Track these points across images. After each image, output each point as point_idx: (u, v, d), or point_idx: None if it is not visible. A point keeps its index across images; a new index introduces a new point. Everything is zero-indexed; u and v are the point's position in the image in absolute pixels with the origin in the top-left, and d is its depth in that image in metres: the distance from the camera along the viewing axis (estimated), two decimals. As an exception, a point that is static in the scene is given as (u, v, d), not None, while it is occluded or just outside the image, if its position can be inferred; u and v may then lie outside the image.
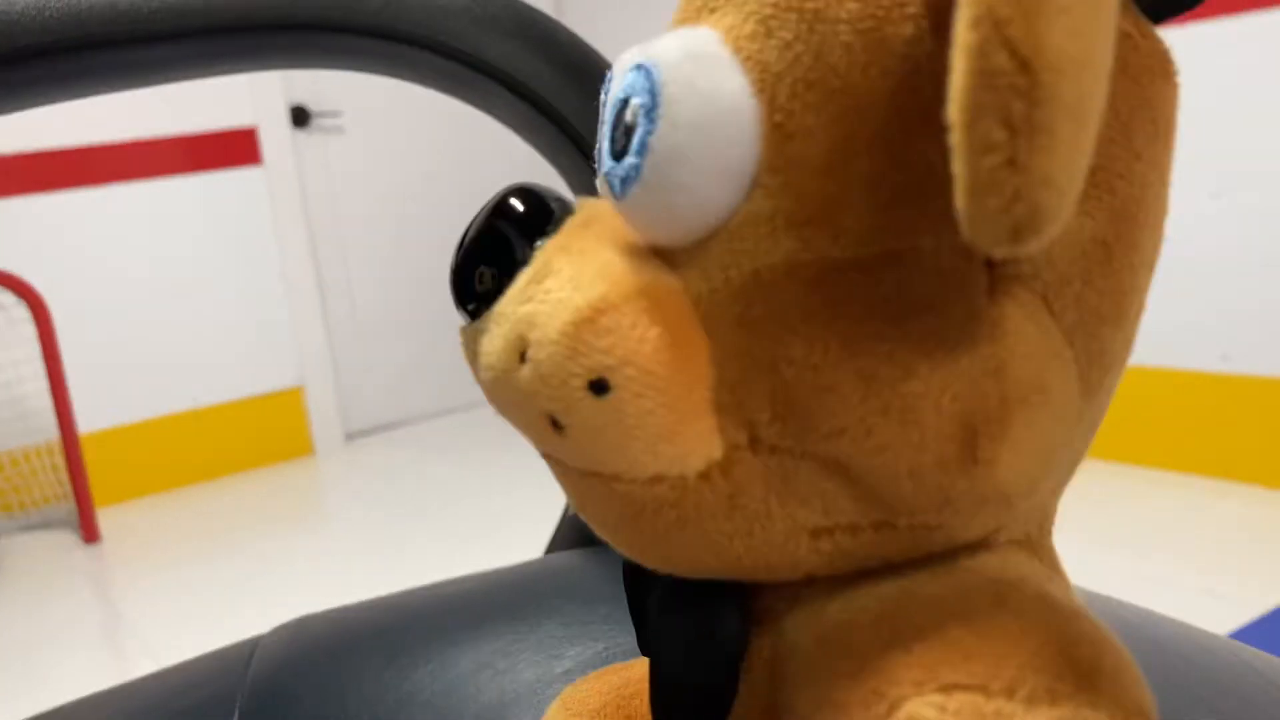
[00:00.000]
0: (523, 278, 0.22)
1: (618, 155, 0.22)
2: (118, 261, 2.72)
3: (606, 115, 0.23)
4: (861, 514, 0.22)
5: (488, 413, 3.25)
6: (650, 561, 0.23)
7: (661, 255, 0.22)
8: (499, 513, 2.41)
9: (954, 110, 0.16)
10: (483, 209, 0.24)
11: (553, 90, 0.54)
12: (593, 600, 0.49)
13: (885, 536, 0.22)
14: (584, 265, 0.22)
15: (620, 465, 0.21)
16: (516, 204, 0.24)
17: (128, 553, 2.45)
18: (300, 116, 2.95)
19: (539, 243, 0.23)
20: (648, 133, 0.21)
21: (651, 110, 0.21)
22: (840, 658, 0.21)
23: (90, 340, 2.67)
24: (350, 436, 3.11)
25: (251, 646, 0.51)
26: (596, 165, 0.23)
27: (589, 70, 0.55)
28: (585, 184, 0.55)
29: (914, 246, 0.20)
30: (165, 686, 0.49)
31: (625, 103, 0.22)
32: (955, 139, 0.16)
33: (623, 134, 0.22)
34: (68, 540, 2.55)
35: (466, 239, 0.24)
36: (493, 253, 0.23)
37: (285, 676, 0.47)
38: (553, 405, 0.21)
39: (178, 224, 2.79)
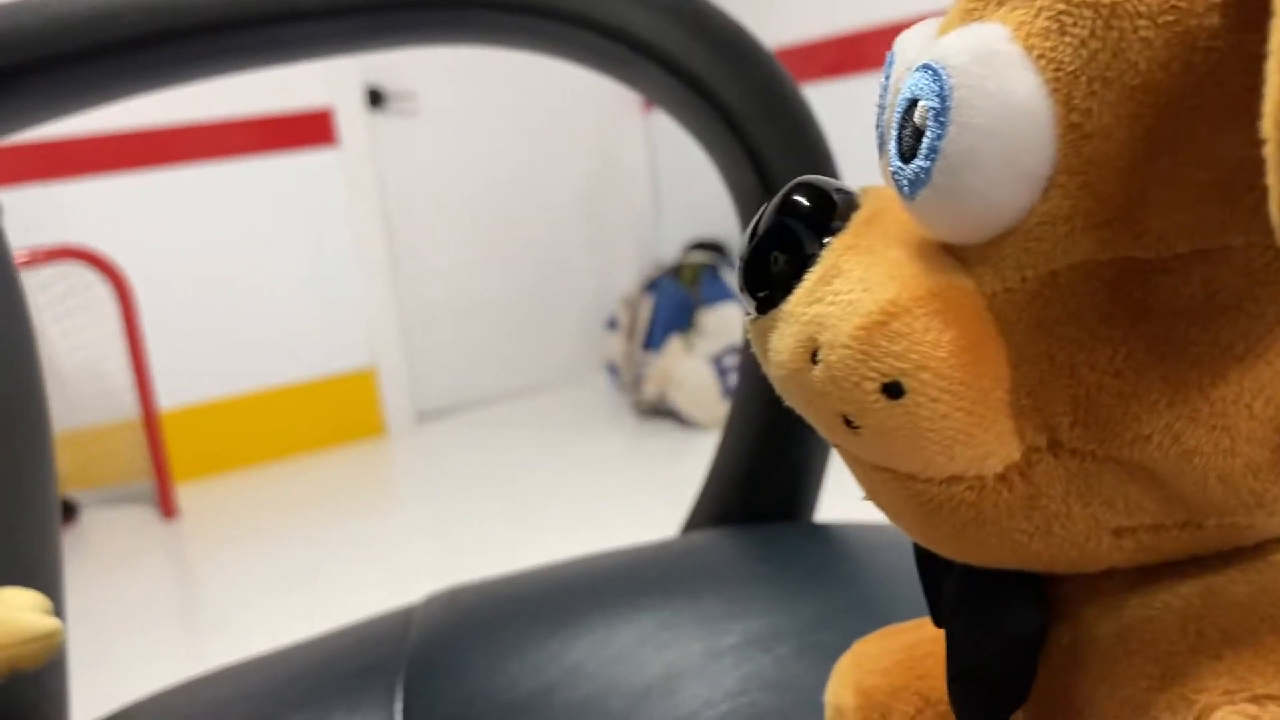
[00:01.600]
0: (811, 277, 0.22)
1: (906, 157, 0.21)
2: (197, 241, 2.76)
3: (893, 115, 0.22)
4: (1167, 515, 0.21)
5: (557, 396, 3.27)
6: (945, 552, 0.23)
7: (952, 252, 0.22)
8: (569, 495, 2.42)
9: (1269, 123, 0.16)
10: (770, 204, 0.24)
11: (704, 67, 0.54)
12: (747, 577, 0.49)
13: (1191, 535, 0.22)
14: (873, 265, 0.22)
15: (915, 465, 0.21)
16: (803, 199, 0.23)
17: (205, 528, 2.50)
18: (375, 98, 2.98)
19: (827, 239, 0.23)
20: (938, 137, 0.20)
21: (941, 114, 0.20)
22: (1144, 657, 0.21)
23: (170, 318, 2.72)
24: (422, 417, 3.14)
25: (406, 615, 0.52)
26: (886, 161, 0.23)
27: (739, 46, 0.55)
28: (733, 159, 0.55)
29: (1222, 245, 0.19)
30: (325, 652, 0.50)
31: (913, 104, 0.21)
32: (1270, 151, 0.16)
33: (911, 136, 0.21)
34: (147, 515, 2.61)
35: (756, 232, 0.24)
36: (782, 244, 0.23)
37: (446, 644, 0.48)
38: (845, 407, 0.21)
39: (255, 204, 2.83)
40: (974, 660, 0.24)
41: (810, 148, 0.56)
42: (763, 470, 0.58)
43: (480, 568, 2.05)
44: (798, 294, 0.22)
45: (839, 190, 0.24)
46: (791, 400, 0.23)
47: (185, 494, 2.69)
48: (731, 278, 2.81)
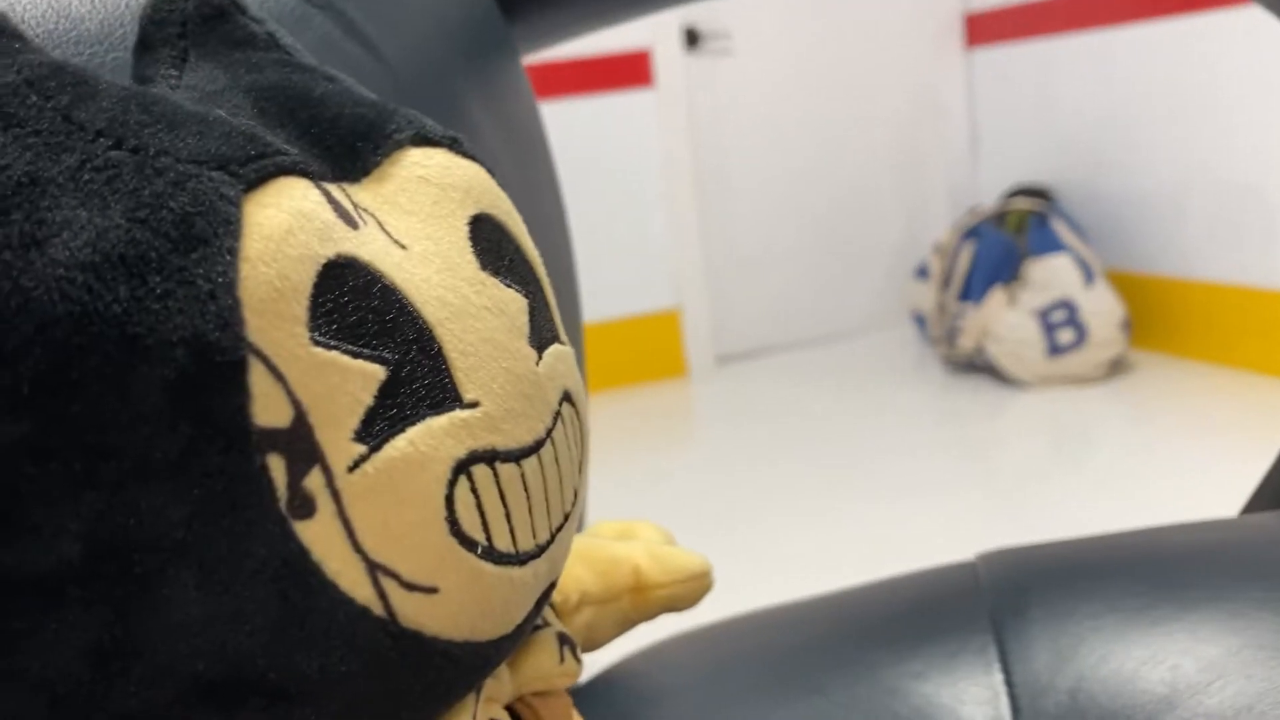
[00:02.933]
0: None
1: None
2: (520, 179, 2.84)
3: None
4: None
5: (860, 344, 3.19)
6: None
7: None
8: (872, 447, 2.35)
9: None
10: None
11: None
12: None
13: None
14: None
15: None
16: None
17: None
18: (692, 38, 2.96)
19: None
20: None
21: None
22: None
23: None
24: (721, 360, 3.14)
25: (969, 576, 0.47)
26: None
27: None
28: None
29: None
30: (904, 592, 0.47)
31: None
32: None
33: None
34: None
35: None
36: None
37: (1033, 618, 0.43)
38: None
39: (573, 144, 2.87)
40: None
41: None
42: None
43: (782, 513, 2.02)
44: None
45: None
46: None
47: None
48: (1061, 227, 2.63)
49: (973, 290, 2.64)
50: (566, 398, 0.26)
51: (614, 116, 2.91)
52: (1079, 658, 0.41)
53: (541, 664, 0.28)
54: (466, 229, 0.26)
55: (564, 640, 0.29)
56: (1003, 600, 0.45)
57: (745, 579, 1.86)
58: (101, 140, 0.21)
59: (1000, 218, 2.71)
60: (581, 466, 0.27)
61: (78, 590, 0.20)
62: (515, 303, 0.25)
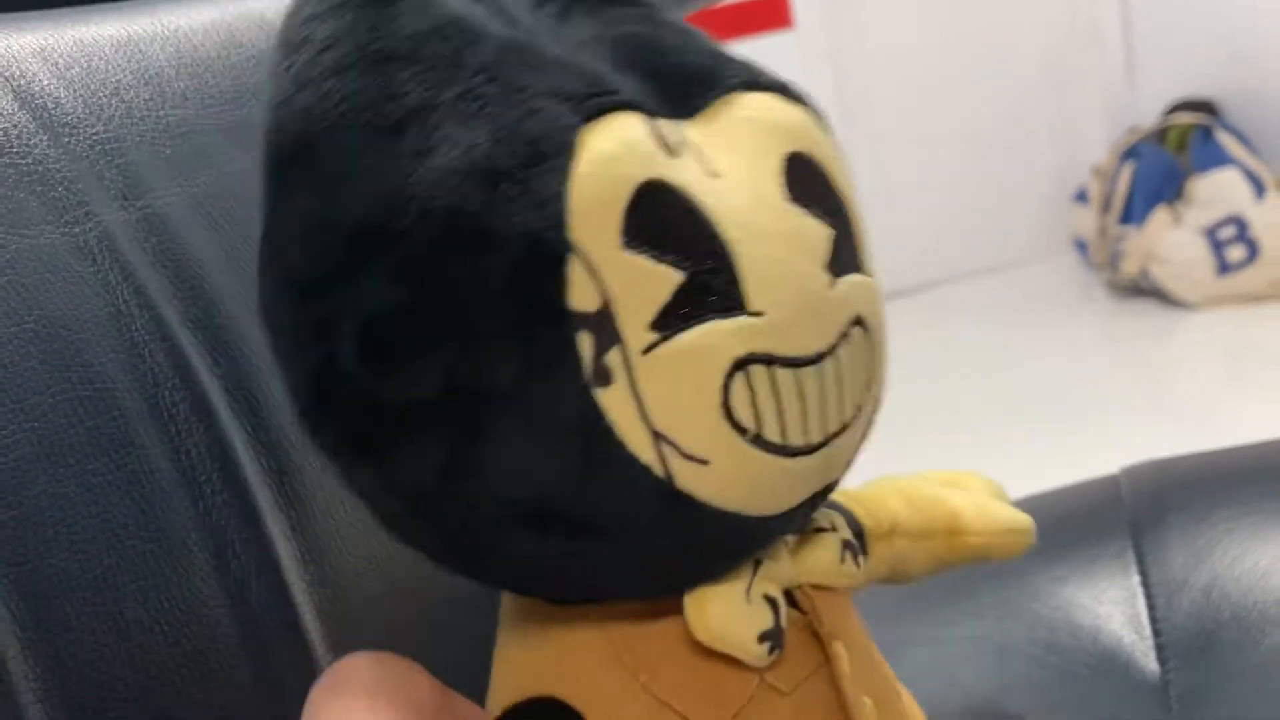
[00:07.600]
0: None
1: None
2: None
3: None
4: None
5: (1020, 274, 3.13)
6: None
7: None
8: (1038, 377, 2.32)
9: None
10: None
11: None
12: None
13: None
14: None
15: None
16: None
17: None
18: (830, -24, 2.94)
19: None
20: None
21: None
22: None
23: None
24: (884, 298, 3.13)
25: (1111, 486, 0.51)
26: None
27: None
28: None
29: None
30: (1050, 505, 0.50)
31: None
32: None
33: None
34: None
35: None
36: None
37: (1172, 524, 0.47)
38: None
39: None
40: None
41: None
42: None
43: (948, 449, 2.02)
44: None
45: None
46: None
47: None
48: (1228, 140, 2.53)
49: (1134, 212, 2.57)
50: (858, 322, 0.29)
51: (755, 61, 2.91)
52: (1213, 558, 0.44)
53: (820, 559, 0.31)
54: (780, 164, 0.29)
55: (848, 546, 0.32)
56: (1142, 508, 0.48)
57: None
58: (479, 77, 0.27)
59: (1160, 135, 2.62)
60: (869, 386, 0.30)
61: (432, 420, 0.26)
62: (817, 231, 0.28)
